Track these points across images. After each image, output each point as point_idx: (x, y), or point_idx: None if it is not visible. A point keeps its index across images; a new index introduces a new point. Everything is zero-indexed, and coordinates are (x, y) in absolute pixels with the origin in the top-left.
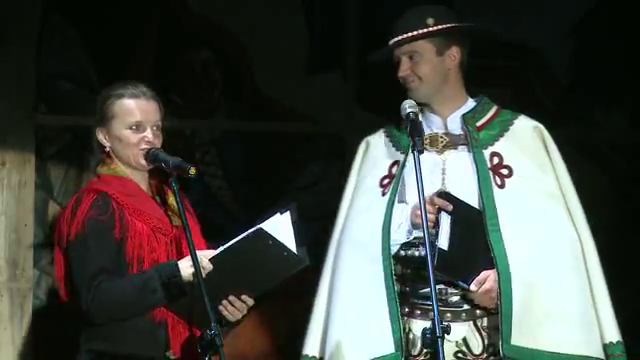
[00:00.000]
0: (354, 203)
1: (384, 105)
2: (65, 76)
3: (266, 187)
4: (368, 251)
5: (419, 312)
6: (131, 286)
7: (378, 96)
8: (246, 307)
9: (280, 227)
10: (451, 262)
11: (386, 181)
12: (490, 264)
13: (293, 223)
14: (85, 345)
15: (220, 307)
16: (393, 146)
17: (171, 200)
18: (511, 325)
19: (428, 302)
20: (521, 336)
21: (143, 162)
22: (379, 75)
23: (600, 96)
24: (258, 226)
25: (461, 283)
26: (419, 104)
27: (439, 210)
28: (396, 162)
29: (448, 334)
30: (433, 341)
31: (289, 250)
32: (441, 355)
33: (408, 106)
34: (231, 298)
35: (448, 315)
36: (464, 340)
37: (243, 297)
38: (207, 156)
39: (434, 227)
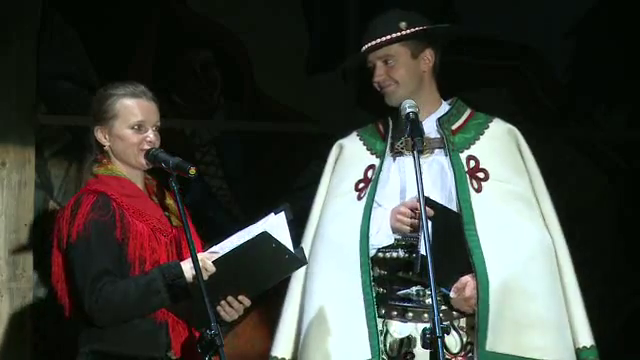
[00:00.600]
0: (328, 207)
1: (384, 105)
2: (65, 76)
3: (266, 187)
4: (345, 255)
5: (396, 313)
6: (134, 287)
7: (378, 96)
8: (242, 307)
9: (276, 227)
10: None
11: (361, 185)
12: (469, 268)
13: (289, 223)
14: (86, 346)
15: (218, 308)
16: (367, 150)
17: (169, 200)
18: (487, 331)
19: (405, 303)
20: (496, 342)
21: (143, 162)
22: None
23: (600, 96)
24: (263, 230)
25: (442, 289)
26: (393, 108)
27: (418, 215)
28: (371, 166)
29: (448, 334)
30: (433, 341)
31: (290, 252)
32: (441, 356)
33: (408, 106)
34: (229, 299)
35: (425, 316)
36: None
37: (240, 298)
38: (207, 156)
39: (415, 232)
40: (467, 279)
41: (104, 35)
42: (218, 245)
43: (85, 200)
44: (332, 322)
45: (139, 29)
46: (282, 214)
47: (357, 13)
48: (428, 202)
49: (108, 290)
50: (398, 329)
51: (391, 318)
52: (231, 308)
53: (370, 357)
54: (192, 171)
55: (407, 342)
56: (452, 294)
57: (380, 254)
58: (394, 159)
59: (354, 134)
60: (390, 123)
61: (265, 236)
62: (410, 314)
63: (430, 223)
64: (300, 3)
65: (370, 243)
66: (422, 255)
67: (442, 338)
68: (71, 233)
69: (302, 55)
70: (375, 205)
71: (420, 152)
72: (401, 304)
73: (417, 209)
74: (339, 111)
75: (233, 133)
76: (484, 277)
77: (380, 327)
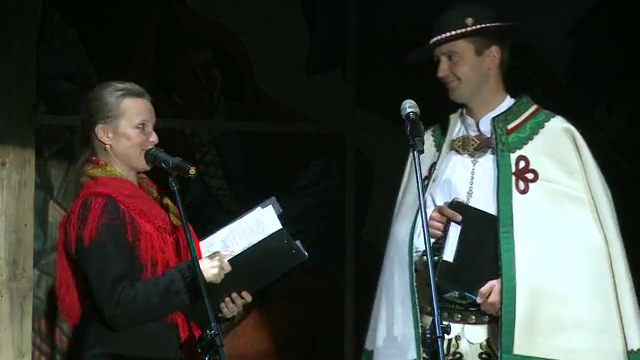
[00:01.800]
0: (401, 205)
1: (384, 105)
2: (65, 76)
3: (266, 187)
4: (401, 255)
5: (446, 315)
6: (155, 290)
7: (378, 96)
8: (243, 302)
9: (264, 220)
10: (456, 274)
11: (426, 182)
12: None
13: (279, 216)
14: (96, 348)
15: (221, 305)
16: (435, 146)
17: (166, 200)
18: (513, 335)
19: (452, 305)
20: (525, 345)
21: (144, 163)
22: (379, 75)
23: (600, 96)
24: (279, 227)
25: (468, 294)
26: (459, 105)
27: (448, 220)
28: (434, 163)
29: (448, 334)
30: (433, 341)
31: (297, 247)
32: (441, 355)
33: (408, 106)
34: (233, 295)
35: (472, 317)
36: (487, 341)
37: (243, 294)
38: (207, 156)
39: (442, 237)
40: (493, 283)
41: (104, 35)
42: (207, 239)
43: (94, 204)
44: (391, 320)
45: (139, 29)
46: (270, 207)
47: (357, 13)
48: (458, 206)
49: (129, 294)
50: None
51: (442, 319)
52: (233, 304)
53: (415, 357)
54: (192, 171)
55: (455, 343)
56: (478, 299)
57: (424, 257)
58: (451, 157)
59: (430, 129)
60: (451, 119)
61: (281, 233)
62: (458, 315)
63: (459, 229)
64: (300, 3)
65: (415, 245)
66: (445, 262)
67: (442, 338)
68: (83, 238)
69: (302, 55)
70: (430, 204)
71: (420, 152)
72: (448, 306)
73: (444, 214)
74: (339, 111)
75: (233, 133)
76: (510, 281)
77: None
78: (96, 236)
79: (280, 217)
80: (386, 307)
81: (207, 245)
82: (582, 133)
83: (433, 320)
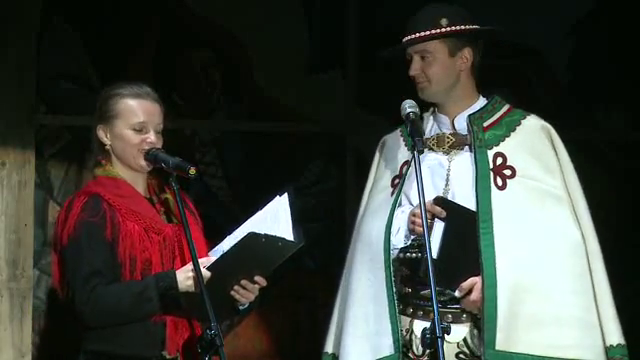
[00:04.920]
0: (369, 203)
1: (384, 105)
2: (65, 76)
3: (266, 187)
4: (374, 252)
5: (421, 313)
6: (127, 293)
7: (378, 96)
8: (257, 288)
9: (279, 210)
10: (439, 270)
11: (396, 181)
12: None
13: (291, 204)
14: (84, 346)
15: (232, 293)
16: (405, 145)
17: (170, 199)
18: (495, 331)
19: (429, 303)
20: (507, 341)
21: (143, 163)
22: (379, 75)
23: (600, 96)
24: (250, 230)
25: (450, 291)
26: (431, 104)
27: (434, 217)
28: (406, 162)
29: (448, 334)
30: (433, 341)
31: (282, 239)
32: (441, 355)
33: (408, 106)
34: (243, 282)
35: (449, 316)
36: (465, 341)
37: (256, 278)
38: (207, 156)
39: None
40: (474, 280)
41: (104, 35)
42: (218, 254)
43: (76, 202)
44: (363, 318)
45: (139, 30)
46: (285, 195)
47: (357, 13)
48: (442, 202)
49: (100, 293)
50: (422, 328)
51: (417, 318)
52: (245, 290)
53: (392, 352)
54: (192, 171)
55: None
56: (457, 293)
57: (401, 254)
58: (425, 155)
59: (397, 129)
60: (424, 118)
61: (252, 236)
62: (433, 314)
63: (443, 226)
64: (300, 3)
65: (392, 242)
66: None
67: (442, 338)
68: (63, 235)
69: (302, 55)
70: (405, 202)
71: (420, 152)
72: (425, 304)
73: (430, 210)
74: (339, 111)
75: (233, 133)
76: (491, 277)
77: (407, 326)
78: (73, 233)
79: (292, 205)
80: (355, 307)
81: (220, 248)
82: (582, 133)
83: (433, 320)
